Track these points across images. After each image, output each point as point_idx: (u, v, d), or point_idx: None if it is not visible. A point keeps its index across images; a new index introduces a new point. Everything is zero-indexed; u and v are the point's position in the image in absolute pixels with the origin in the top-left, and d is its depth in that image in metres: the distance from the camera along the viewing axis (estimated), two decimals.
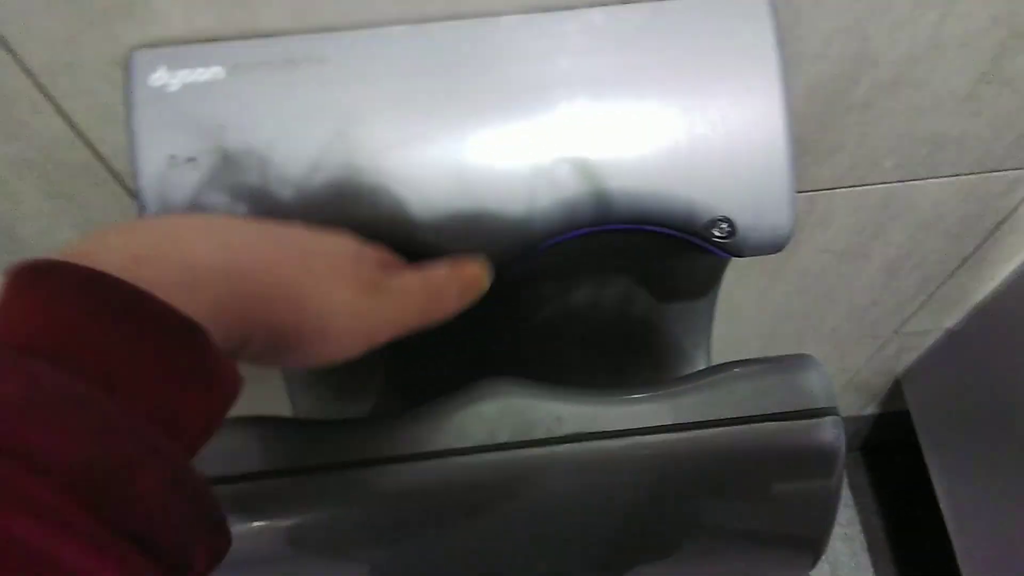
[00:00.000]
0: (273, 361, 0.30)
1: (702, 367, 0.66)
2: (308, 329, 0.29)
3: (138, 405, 0.23)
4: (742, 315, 0.86)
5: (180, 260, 0.26)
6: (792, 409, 0.41)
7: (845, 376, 1.13)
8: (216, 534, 0.25)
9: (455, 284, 0.37)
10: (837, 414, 0.41)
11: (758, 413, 0.41)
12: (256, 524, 0.40)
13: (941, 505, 1.12)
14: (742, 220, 0.43)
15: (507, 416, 0.42)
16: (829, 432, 0.41)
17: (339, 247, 0.33)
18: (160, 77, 0.41)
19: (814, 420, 0.41)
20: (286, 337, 0.29)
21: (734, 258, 0.49)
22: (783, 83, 0.42)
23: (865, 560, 1.37)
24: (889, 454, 1.41)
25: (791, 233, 0.44)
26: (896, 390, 1.20)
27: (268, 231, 0.31)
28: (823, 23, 0.46)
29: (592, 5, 0.42)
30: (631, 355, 0.65)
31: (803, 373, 0.42)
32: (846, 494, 1.41)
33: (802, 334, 0.95)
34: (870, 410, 1.30)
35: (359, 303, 0.31)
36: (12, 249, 0.59)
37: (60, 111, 0.45)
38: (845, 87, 0.51)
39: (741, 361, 0.44)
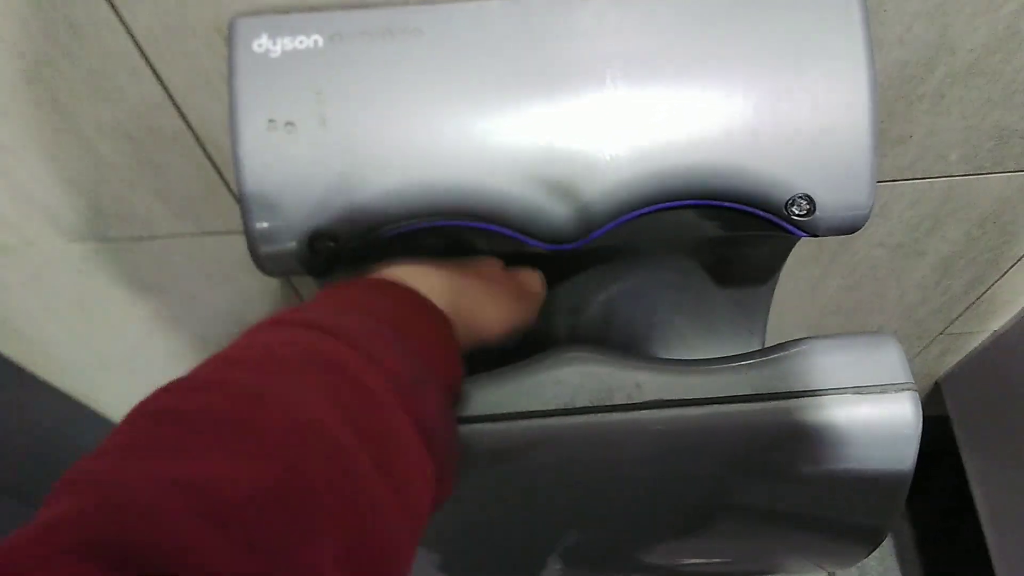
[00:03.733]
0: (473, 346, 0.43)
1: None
2: (496, 325, 0.45)
3: (422, 350, 0.35)
4: (792, 306, 0.87)
5: (429, 287, 0.41)
6: (870, 383, 0.42)
7: None
8: (456, 468, 0.37)
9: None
10: (915, 389, 0.42)
11: (835, 386, 0.42)
12: None
13: (979, 512, 1.11)
14: (822, 197, 0.43)
15: (587, 381, 0.43)
16: (907, 405, 0.41)
17: (495, 268, 0.49)
18: (262, 44, 0.42)
19: (892, 394, 0.41)
20: (482, 332, 0.44)
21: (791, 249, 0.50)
22: (870, 60, 0.42)
23: (893, 564, 1.36)
24: (922, 460, 1.40)
25: (869, 213, 0.44)
26: (935, 394, 1.20)
27: (460, 268, 0.45)
28: (906, 7, 0.47)
29: None
30: (690, 338, 0.66)
31: (881, 348, 0.43)
32: None
33: (848, 329, 0.95)
34: None
35: (516, 305, 0.47)
36: (89, 217, 0.61)
37: (157, 76, 0.47)
38: (920, 75, 0.52)
39: (817, 336, 0.44)
